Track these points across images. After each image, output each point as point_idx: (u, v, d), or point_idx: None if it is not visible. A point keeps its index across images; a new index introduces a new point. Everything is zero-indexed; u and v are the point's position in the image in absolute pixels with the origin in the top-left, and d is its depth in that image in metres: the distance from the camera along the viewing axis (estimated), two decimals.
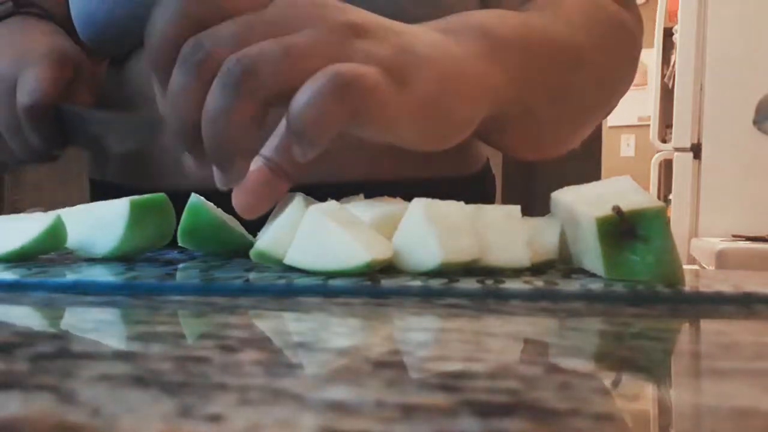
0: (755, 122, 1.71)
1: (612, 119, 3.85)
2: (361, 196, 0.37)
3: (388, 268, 0.31)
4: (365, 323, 0.22)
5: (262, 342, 0.19)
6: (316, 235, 0.29)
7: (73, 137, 0.47)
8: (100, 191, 0.60)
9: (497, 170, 0.76)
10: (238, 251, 0.39)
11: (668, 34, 2.25)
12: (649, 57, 2.34)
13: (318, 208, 0.30)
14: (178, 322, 0.22)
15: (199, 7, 0.29)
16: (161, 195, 0.36)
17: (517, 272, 0.32)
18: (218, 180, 0.31)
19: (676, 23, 1.92)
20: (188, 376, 0.14)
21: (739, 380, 0.15)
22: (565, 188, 0.34)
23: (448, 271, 0.30)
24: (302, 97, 0.28)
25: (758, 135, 1.71)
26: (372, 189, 0.40)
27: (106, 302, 0.25)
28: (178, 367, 0.15)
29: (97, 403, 0.12)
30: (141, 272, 0.31)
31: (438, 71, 0.33)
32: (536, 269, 0.33)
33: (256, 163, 0.32)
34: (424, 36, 0.34)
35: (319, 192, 0.38)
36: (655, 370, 0.17)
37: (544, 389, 0.13)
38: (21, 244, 0.34)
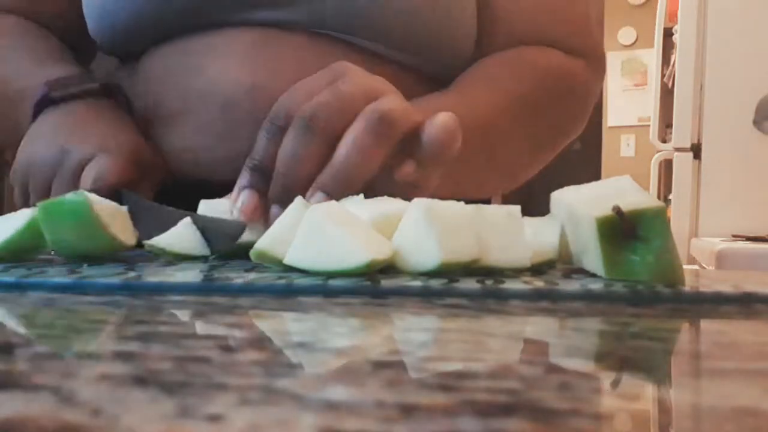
0: (755, 122, 1.71)
1: (612, 119, 3.85)
2: (361, 196, 0.37)
3: (388, 268, 0.31)
4: (365, 323, 0.22)
5: (261, 342, 0.19)
6: (316, 235, 0.29)
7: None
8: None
9: None
10: (240, 253, 0.39)
11: (668, 34, 2.25)
12: (649, 57, 2.34)
13: (318, 208, 0.30)
14: (178, 322, 0.22)
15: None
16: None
17: (517, 272, 0.32)
18: (274, 218, 0.37)
19: (676, 23, 1.91)
20: (188, 376, 0.14)
21: (739, 380, 0.15)
22: (565, 188, 0.34)
23: (448, 272, 0.30)
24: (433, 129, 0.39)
25: (758, 135, 1.71)
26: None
27: (106, 302, 0.25)
28: (178, 367, 0.15)
29: (97, 403, 0.12)
30: (141, 272, 0.31)
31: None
32: (536, 269, 0.33)
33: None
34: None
35: None
36: (655, 370, 0.17)
37: (544, 389, 0.13)
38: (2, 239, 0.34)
